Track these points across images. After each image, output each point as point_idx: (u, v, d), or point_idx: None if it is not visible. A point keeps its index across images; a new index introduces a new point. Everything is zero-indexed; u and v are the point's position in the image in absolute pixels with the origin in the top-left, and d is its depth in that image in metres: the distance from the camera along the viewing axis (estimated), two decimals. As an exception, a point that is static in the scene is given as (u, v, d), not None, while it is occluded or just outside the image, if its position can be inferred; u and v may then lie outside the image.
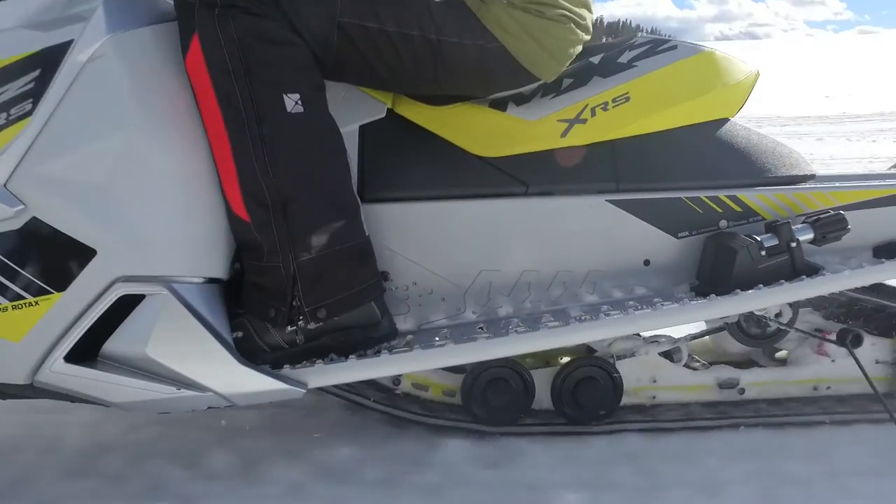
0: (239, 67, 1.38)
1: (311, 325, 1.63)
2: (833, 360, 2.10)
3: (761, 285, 1.75)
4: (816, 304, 2.34)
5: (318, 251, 1.61)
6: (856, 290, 1.99)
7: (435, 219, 1.92)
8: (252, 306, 1.67)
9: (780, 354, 2.30)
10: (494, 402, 2.00)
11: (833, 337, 2.01)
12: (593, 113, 1.95)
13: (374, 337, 1.70)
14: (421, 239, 1.92)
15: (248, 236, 1.59)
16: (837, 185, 2.02)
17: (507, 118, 1.93)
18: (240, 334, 1.63)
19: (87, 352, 1.58)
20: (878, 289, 2.05)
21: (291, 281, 1.59)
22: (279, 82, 1.42)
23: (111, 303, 1.55)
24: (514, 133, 1.93)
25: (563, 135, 1.92)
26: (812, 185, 2.02)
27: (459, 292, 1.95)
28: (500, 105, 1.94)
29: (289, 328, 1.63)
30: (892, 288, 2.06)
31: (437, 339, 1.74)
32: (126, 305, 1.56)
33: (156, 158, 1.55)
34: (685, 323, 1.73)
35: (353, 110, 1.90)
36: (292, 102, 1.44)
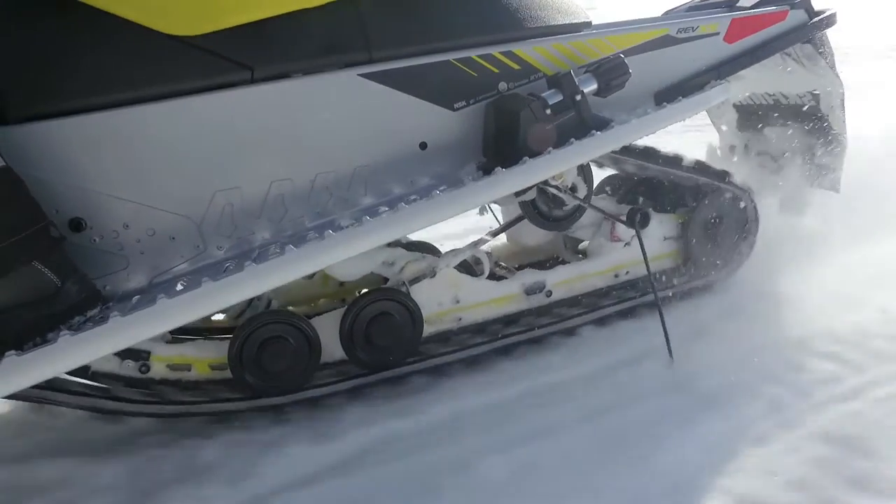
0: None
1: None
2: (627, 244, 1.97)
3: (550, 148, 1.48)
4: (608, 186, 2.21)
5: None
6: (637, 157, 1.84)
7: (132, 132, 1.38)
8: None
9: (583, 246, 2.15)
10: (273, 366, 1.57)
11: (623, 218, 1.85)
12: (323, -44, 1.49)
13: (54, 313, 1.17)
14: (117, 163, 1.38)
15: None
16: (614, 30, 1.80)
17: (203, -24, 1.41)
18: None
19: None
20: (652, 156, 1.92)
21: None
22: None
23: None
24: (219, -4, 1.42)
25: (289, -9, 1.45)
26: (589, 32, 1.77)
27: (193, 225, 1.47)
28: (191, -41, 1.40)
29: None
30: (671, 157, 1.94)
31: (164, 294, 1.26)
32: None
33: None
34: (473, 207, 1.43)
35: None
36: None
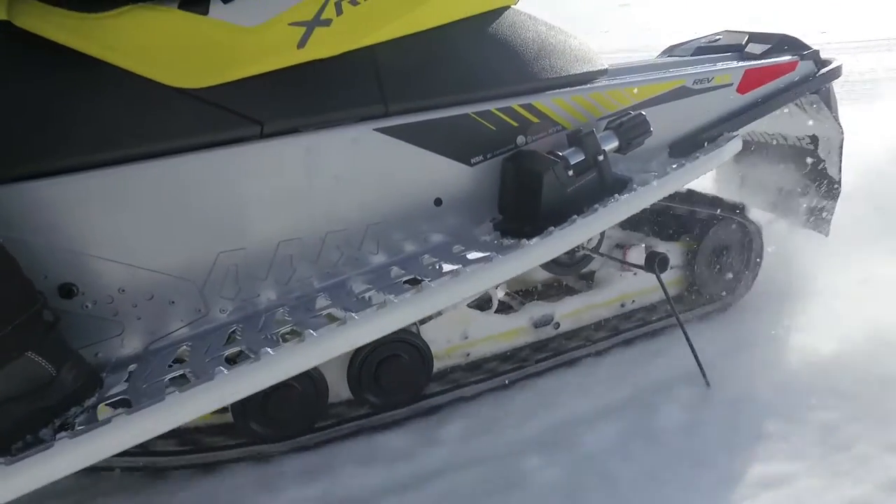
0: None
1: None
2: (635, 273, 1.98)
3: (576, 217, 1.43)
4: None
5: None
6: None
7: (129, 191, 1.27)
8: None
9: (587, 270, 2.13)
10: (277, 414, 1.52)
11: (641, 263, 1.82)
12: (339, 10, 1.39)
13: (49, 406, 1.07)
14: (112, 225, 1.26)
15: None
16: (632, 81, 1.74)
17: (211, 25, 1.28)
18: None
19: None
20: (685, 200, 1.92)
21: None
22: None
23: None
24: (227, 48, 1.30)
25: (301, 44, 1.34)
26: (607, 83, 1.72)
27: (194, 288, 1.36)
28: (197, 4, 1.29)
29: None
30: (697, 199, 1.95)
31: (165, 382, 1.15)
32: None
33: None
34: (501, 281, 1.37)
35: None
36: None
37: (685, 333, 1.73)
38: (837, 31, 7.74)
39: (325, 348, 1.17)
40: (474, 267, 1.29)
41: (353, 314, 1.19)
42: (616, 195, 1.50)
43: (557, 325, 1.91)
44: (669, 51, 2.31)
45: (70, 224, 1.23)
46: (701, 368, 1.74)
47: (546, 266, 1.81)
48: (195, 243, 1.34)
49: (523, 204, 1.50)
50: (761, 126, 2.31)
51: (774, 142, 2.30)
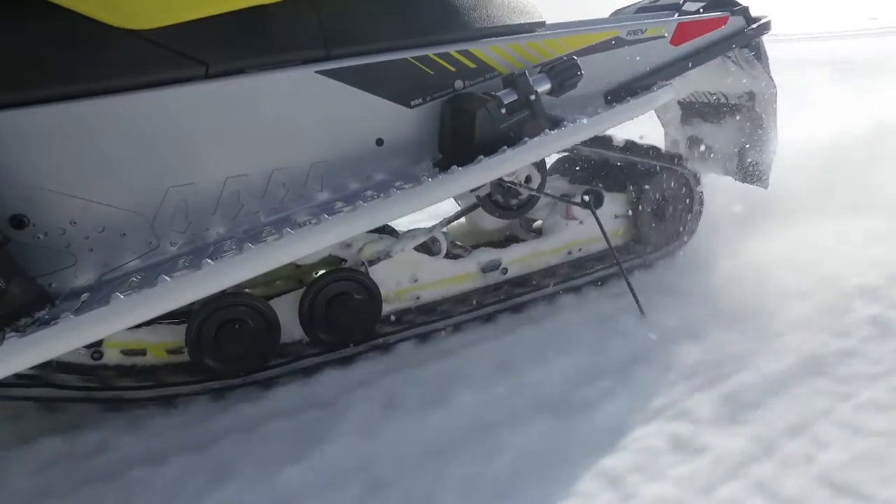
0: None
1: None
2: (581, 223, 2.07)
3: (505, 147, 1.52)
4: (560, 168, 2.30)
5: None
6: (589, 144, 1.92)
7: (78, 126, 1.34)
8: None
9: (537, 225, 2.22)
10: (231, 348, 1.60)
11: (578, 199, 1.93)
12: (277, -44, 1.47)
13: (1, 315, 1.14)
14: (63, 158, 1.33)
15: None
16: (567, 31, 1.84)
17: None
18: None
19: None
20: (607, 144, 2.01)
21: None
22: None
23: None
24: (171, -11, 1.38)
25: (243, -13, 1.43)
26: (544, 33, 1.82)
27: (145, 222, 1.44)
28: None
29: None
30: (624, 143, 2.04)
31: (118, 293, 1.23)
32: None
33: None
34: (431, 203, 1.45)
35: None
36: None
37: (622, 269, 1.82)
38: (887, 17, 7.83)
39: (263, 260, 1.24)
40: (408, 189, 1.38)
41: (290, 230, 1.27)
42: (547, 130, 1.59)
43: (505, 271, 1.99)
44: (616, 13, 2.42)
45: (20, 157, 1.30)
46: (636, 300, 1.84)
47: (492, 210, 1.88)
48: (145, 178, 1.41)
49: (460, 141, 1.58)
50: (703, 86, 2.42)
51: (715, 100, 2.41)
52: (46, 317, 1.19)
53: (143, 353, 1.63)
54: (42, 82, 1.30)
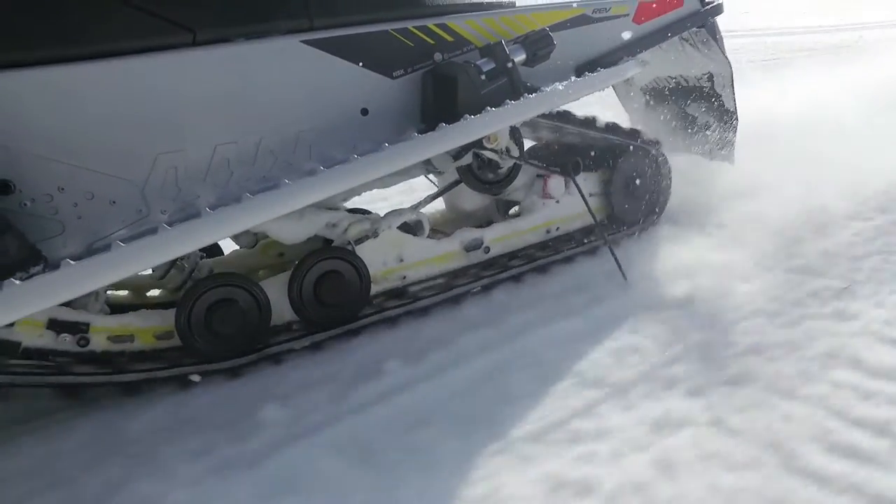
0: None
1: None
2: (557, 202, 2.12)
3: (489, 107, 1.58)
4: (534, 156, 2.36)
5: None
6: (568, 123, 2.00)
7: (69, 90, 1.34)
8: None
9: (513, 211, 2.28)
10: (223, 329, 1.58)
11: (561, 189, 2.00)
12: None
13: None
14: (49, 123, 1.33)
15: None
16: (537, 7, 1.94)
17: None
18: None
19: None
20: (590, 125, 2.09)
21: None
22: None
23: None
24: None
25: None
26: (515, 9, 1.90)
27: (135, 188, 1.44)
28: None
29: None
30: (601, 125, 2.12)
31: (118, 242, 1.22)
32: None
33: None
34: (417, 160, 1.49)
35: None
36: None
37: (605, 239, 1.88)
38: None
39: (252, 215, 1.27)
40: (393, 146, 1.42)
41: (276, 189, 1.29)
42: (525, 95, 1.66)
43: (487, 250, 2.03)
44: None
45: (5, 121, 1.30)
46: (619, 267, 1.91)
47: (476, 186, 1.93)
48: (133, 144, 1.42)
49: (442, 108, 1.64)
50: (665, 71, 2.55)
51: (676, 83, 2.54)
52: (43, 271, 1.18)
53: (131, 339, 1.60)
54: (30, 45, 1.31)
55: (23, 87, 1.30)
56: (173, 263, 1.71)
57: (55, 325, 1.48)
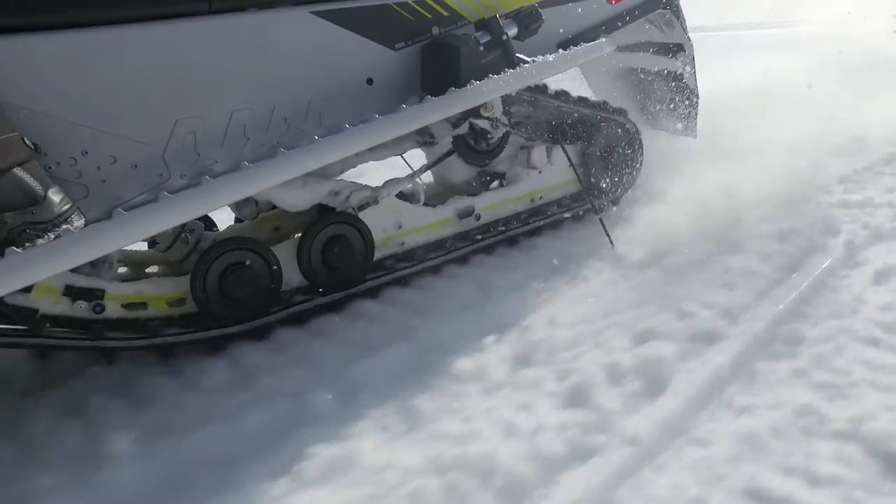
0: None
1: None
2: (540, 172, 2.26)
3: (490, 75, 1.69)
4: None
5: None
6: (551, 98, 2.13)
7: (91, 56, 1.37)
8: None
9: (494, 185, 2.41)
10: (237, 293, 1.64)
11: (544, 159, 2.14)
12: None
13: (41, 220, 1.16)
14: (73, 87, 1.35)
15: None
16: None
17: None
18: None
19: None
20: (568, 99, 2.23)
21: None
22: None
23: None
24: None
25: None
26: None
27: (156, 153, 1.48)
28: None
29: None
30: (577, 98, 2.27)
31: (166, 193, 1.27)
32: None
33: None
34: (422, 124, 1.60)
35: None
36: None
37: (594, 205, 2.02)
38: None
39: (268, 175, 1.36)
40: (398, 112, 1.52)
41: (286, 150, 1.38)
42: (520, 65, 1.79)
43: (479, 217, 2.15)
44: None
45: (30, 83, 1.31)
46: (607, 233, 2.05)
47: (468, 158, 2.05)
48: (154, 108, 1.45)
49: (443, 78, 1.74)
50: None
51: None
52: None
53: (144, 306, 1.63)
54: (53, 8, 1.33)
55: (46, 51, 1.32)
56: (178, 235, 1.75)
57: (71, 292, 1.50)
